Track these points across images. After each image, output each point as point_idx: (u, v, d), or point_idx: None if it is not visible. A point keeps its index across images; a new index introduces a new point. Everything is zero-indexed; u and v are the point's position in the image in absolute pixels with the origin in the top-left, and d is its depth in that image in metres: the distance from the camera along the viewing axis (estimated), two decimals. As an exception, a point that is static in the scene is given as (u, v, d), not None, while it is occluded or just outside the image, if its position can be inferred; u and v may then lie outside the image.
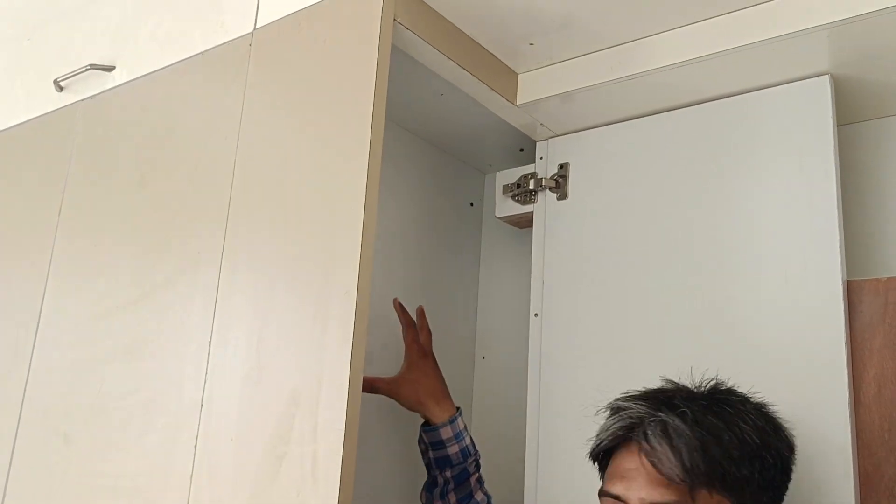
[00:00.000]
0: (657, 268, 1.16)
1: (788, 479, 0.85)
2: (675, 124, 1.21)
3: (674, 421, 0.80)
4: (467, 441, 1.16)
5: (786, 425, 0.88)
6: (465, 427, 1.17)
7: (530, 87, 1.24)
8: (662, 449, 0.79)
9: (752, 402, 0.87)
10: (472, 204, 1.54)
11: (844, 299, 0.99)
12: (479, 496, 1.15)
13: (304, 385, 0.93)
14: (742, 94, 1.14)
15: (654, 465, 0.79)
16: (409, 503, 1.27)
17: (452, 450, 1.14)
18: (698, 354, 1.08)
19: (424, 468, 1.20)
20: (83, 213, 1.34)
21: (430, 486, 1.18)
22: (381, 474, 1.27)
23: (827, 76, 1.08)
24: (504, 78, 1.24)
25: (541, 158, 1.35)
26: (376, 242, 0.97)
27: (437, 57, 1.12)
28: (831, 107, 1.07)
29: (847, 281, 1.01)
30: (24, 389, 1.30)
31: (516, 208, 1.38)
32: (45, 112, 1.49)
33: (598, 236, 1.24)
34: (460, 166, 1.53)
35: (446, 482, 1.15)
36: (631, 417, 0.84)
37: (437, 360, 1.23)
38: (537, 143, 1.37)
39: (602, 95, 1.20)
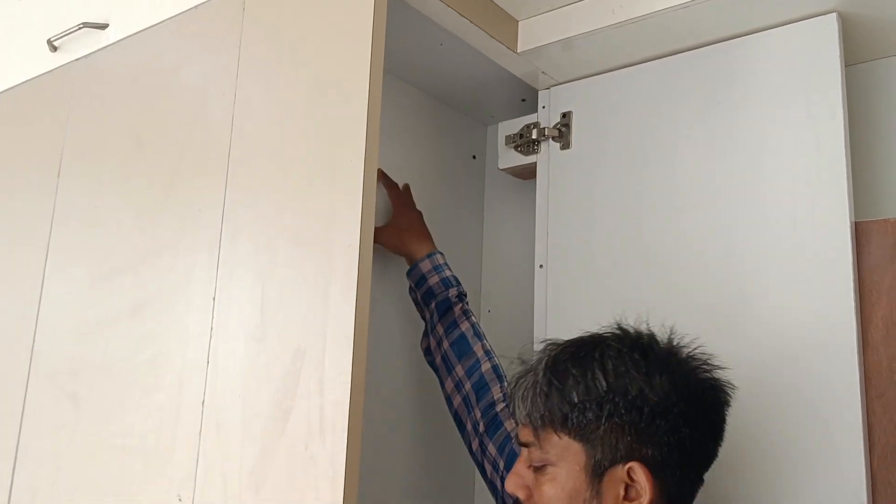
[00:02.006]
0: (663, 215, 1.15)
1: (670, 424, 0.82)
2: (678, 68, 1.18)
3: (529, 374, 0.88)
4: (447, 273, 1.20)
5: (696, 374, 0.87)
6: (446, 263, 1.21)
7: (531, 34, 1.22)
8: (518, 397, 0.88)
9: (635, 352, 0.85)
10: (474, 156, 1.52)
11: (852, 241, 0.98)
12: (464, 325, 1.17)
13: (309, 340, 0.93)
14: (747, 35, 1.12)
15: (514, 414, 0.90)
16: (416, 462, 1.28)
17: (433, 280, 1.19)
18: (706, 300, 1.08)
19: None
20: (82, 175, 1.33)
21: (425, 329, 1.21)
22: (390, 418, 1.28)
23: (834, 14, 1.05)
24: (504, 25, 1.21)
25: (543, 108, 1.34)
26: (378, 197, 0.96)
27: (436, 5, 1.09)
28: (839, 46, 1.05)
29: (855, 222, 1.00)
30: (31, 353, 1.30)
31: (519, 159, 1.36)
32: (40, 73, 1.47)
33: (603, 185, 1.23)
34: (462, 118, 1.51)
35: (432, 315, 1.18)
36: (511, 378, 0.92)
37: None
38: (539, 92, 1.35)
39: (603, 41, 1.18)
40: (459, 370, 1.15)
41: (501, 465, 1.06)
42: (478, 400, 1.13)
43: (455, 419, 1.16)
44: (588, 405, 0.83)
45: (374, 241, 1.20)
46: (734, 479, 1.02)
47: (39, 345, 1.30)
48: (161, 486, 1.04)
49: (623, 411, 0.82)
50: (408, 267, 1.24)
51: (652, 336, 0.89)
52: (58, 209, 1.35)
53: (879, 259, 0.99)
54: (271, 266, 1.00)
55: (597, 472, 0.83)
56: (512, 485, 0.89)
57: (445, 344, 1.17)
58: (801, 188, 1.03)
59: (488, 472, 1.09)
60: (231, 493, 0.95)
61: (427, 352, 1.21)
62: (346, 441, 0.85)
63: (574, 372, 0.85)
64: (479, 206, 1.52)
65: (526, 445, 0.88)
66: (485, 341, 1.17)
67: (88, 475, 1.15)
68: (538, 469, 0.86)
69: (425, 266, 1.20)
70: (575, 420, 0.83)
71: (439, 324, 1.18)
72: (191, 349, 1.06)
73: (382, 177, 1.27)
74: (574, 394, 0.84)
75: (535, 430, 0.86)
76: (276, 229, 1.01)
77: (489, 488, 1.10)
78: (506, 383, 1.06)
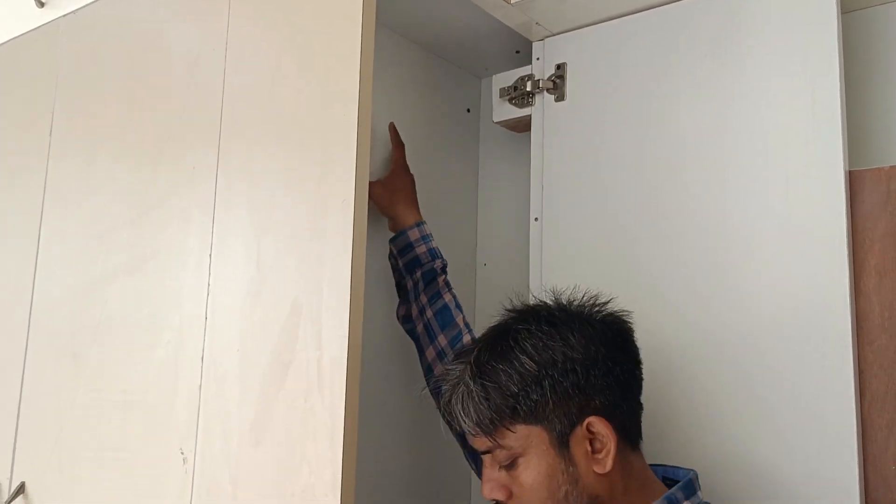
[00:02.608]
0: (658, 166, 1.15)
1: (602, 370, 0.87)
2: (673, 18, 1.17)
3: (458, 386, 0.90)
4: (433, 244, 1.21)
5: (593, 318, 0.91)
6: (431, 235, 1.22)
7: (524, -16, 1.20)
8: (457, 415, 0.90)
9: (542, 324, 0.89)
10: (468, 110, 1.51)
11: (846, 190, 0.99)
12: (447, 296, 1.18)
13: (306, 294, 0.94)
14: (743, -18, 1.11)
15: (460, 427, 0.91)
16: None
17: (420, 250, 1.19)
18: (700, 252, 1.08)
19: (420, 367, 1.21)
20: (74, 133, 1.32)
21: (403, 296, 1.22)
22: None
23: (831, -40, 1.04)
24: (497, -25, 1.20)
25: (537, 59, 1.32)
26: (372, 151, 0.95)
27: (427, -45, 1.08)
28: (835, -6, 1.03)
29: (849, 171, 1.00)
30: (30, 312, 1.31)
31: (514, 112, 1.35)
32: (28, 30, 1.46)
33: (598, 137, 1.22)
34: (456, 71, 1.49)
35: (416, 284, 1.19)
36: (443, 403, 0.93)
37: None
38: (533, 44, 1.33)
39: (598, -10, 1.16)
40: (442, 340, 1.17)
41: None
42: None
43: (434, 389, 1.16)
44: (529, 389, 0.86)
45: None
46: (726, 423, 1.03)
47: (37, 304, 1.30)
48: (163, 441, 1.05)
49: (561, 379, 0.86)
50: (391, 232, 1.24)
51: (546, 306, 0.93)
52: (51, 167, 1.34)
53: (873, 208, 0.99)
54: (266, 221, 1.01)
55: (563, 443, 0.86)
56: (489, 490, 0.90)
57: (429, 313, 1.18)
58: (797, 137, 1.03)
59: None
60: (232, 446, 0.97)
61: (406, 319, 1.21)
62: (344, 393, 0.86)
63: (501, 367, 0.88)
64: (473, 159, 1.51)
65: (487, 452, 0.90)
66: (463, 314, 1.19)
67: (91, 432, 1.16)
68: (509, 466, 0.88)
69: (413, 234, 1.20)
70: (524, 407, 0.86)
71: (423, 293, 1.18)
72: (188, 305, 1.07)
73: (393, 133, 1.28)
74: (511, 385, 0.87)
75: (489, 435, 0.88)
76: (271, 185, 1.01)
77: (468, 457, 1.13)
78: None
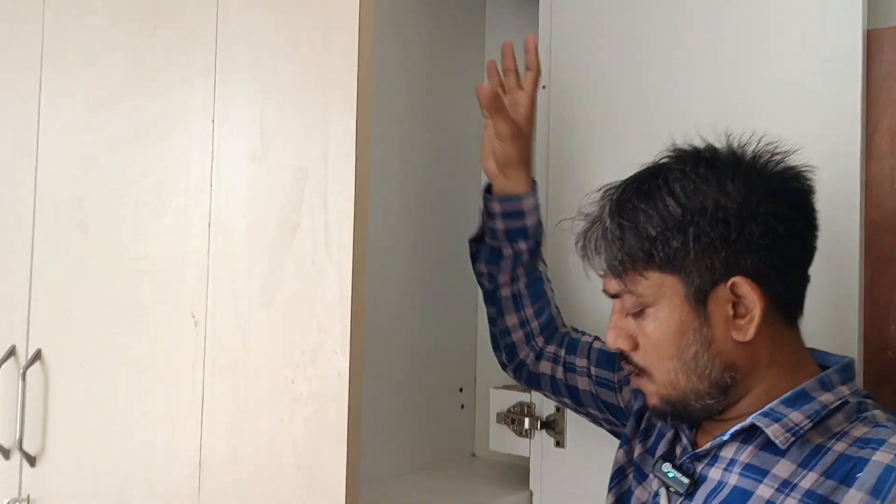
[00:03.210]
0: (674, 26, 1.11)
1: (762, 227, 0.77)
2: None
3: (595, 224, 0.83)
4: (541, 214, 1.13)
5: (775, 166, 0.81)
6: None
7: None
8: (590, 250, 0.83)
9: (699, 167, 0.80)
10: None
11: (863, 49, 0.96)
12: (541, 268, 1.14)
13: (311, 158, 0.93)
14: None
15: (593, 269, 0.84)
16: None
17: (531, 220, 1.09)
18: (716, 111, 1.06)
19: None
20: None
21: (493, 258, 1.11)
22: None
23: None
24: None
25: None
26: (377, 9, 0.93)
27: None
28: None
29: (867, 30, 0.97)
30: (35, 185, 1.31)
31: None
32: None
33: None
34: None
35: (517, 255, 1.09)
36: (578, 237, 0.86)
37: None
38: None
39: None
40: (528, 310, 1.11)
41: (593, 369, 1.06)
42: (541, 330, 1.12)
43: (506, 349, 1.14)
44: (670, 234, 0.78)
45: (505, 132, 1.06)
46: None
47: (42, 175, 1.30)
48: (174, 306, 1.07)
49: (708, 228, 0.77)
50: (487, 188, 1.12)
51: (711, 147, 0.83)
52: (47, 35, 1.31)
53: (890, 68, 0.97)
54: (269, 85, 0.99)
55: (699, 299, 0.78)
56: (612, 337, 0.84)
57: (521, 283, 1.11)
58: (816, -5, 0.99)
59: (579, 384, 1.08)
60: (242, 309, 0.98)
61: (489, 279, 1.13)
62: (351, 253, 0.87)
63: (643, 206, 0.79)
64: (480, 24, 1.47)
65: (616, 296, 0.83)
66: (551, 283, 1.14)
67: (103, 299, 1.18)
68: (637, 315, 0.82)
69: (528, 203, 1.08)
70: (660, 253, 0.78)
71: (522, 266, 1.10)
72: (194, 172, 1.06)
73: (493, 107, 1.06)
74: (650, 227, 0.78)
75: (619, 277, 0.81)
76: (272, 48, 0.99)
77: (592, 405, 1.07)
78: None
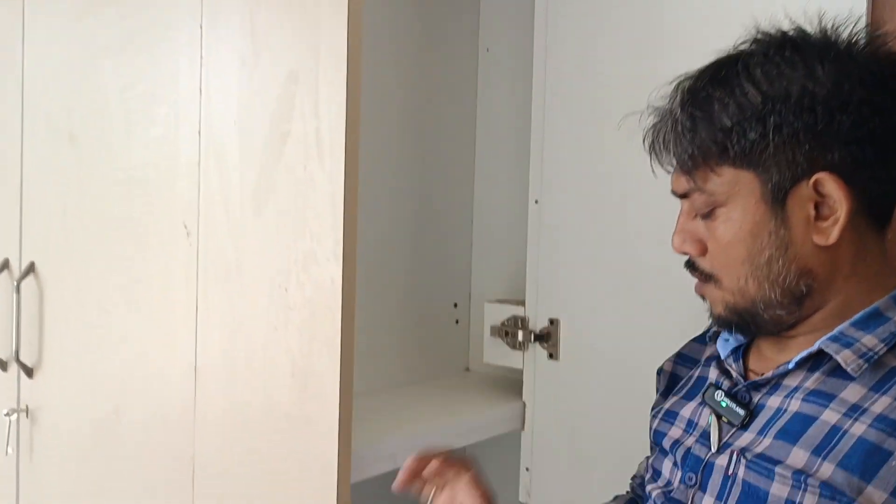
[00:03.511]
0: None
1: (853, 117, 0.67)
2: None
3: (665, 117, 0.74)
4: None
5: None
6: None
7: None
8: (659, 144, 0.75)
9: (784, 49, 0.70)
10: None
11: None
12: None
13: (302, 63, 0.91)
14: None
15: (661, 165, 0.76)
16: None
17: None
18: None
19: None
20: None
21: None
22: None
23: None
24: None
25: None
26: None
27: None
28: None
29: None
30: (22, 93, 1.28)
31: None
32: None
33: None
34: None
35: None
36: (646, 132, 0.77)
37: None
38: None
39: None
40: None
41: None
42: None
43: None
44: (747, 125, 0.68)
45: None
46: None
47: (29, 86, 1.27)
48: (166, 215, 1.06)
49: (792, 118, 0.67)
50: None
51: (800, 29, 0.72)
52: (28, -61, 1.26)
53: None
54: (258, -12, 0.96)
55: (777, 198, 0.69)
56: (679, 241, 0.76)
57: None
58: None
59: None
60: (233, 217, 0.98)
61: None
62: (343, 161, 0.86)
63: (718, 94, 0.70)
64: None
65: (685, 196, 0.74)
66: None
67: (95, 210, 1.17)
68: (706, 216, 0.73)
69: None
70: (736, 146, 0.69)
71: None
72: (183, 79, 1.04)
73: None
74: (724, 117, 0.69)
75: (689, 174, 0.72)
76: (261, -52, 0.95)
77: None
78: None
